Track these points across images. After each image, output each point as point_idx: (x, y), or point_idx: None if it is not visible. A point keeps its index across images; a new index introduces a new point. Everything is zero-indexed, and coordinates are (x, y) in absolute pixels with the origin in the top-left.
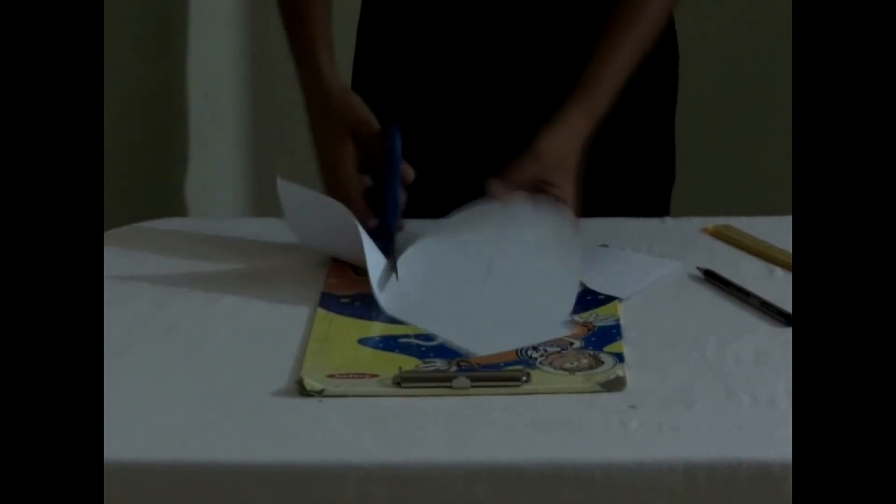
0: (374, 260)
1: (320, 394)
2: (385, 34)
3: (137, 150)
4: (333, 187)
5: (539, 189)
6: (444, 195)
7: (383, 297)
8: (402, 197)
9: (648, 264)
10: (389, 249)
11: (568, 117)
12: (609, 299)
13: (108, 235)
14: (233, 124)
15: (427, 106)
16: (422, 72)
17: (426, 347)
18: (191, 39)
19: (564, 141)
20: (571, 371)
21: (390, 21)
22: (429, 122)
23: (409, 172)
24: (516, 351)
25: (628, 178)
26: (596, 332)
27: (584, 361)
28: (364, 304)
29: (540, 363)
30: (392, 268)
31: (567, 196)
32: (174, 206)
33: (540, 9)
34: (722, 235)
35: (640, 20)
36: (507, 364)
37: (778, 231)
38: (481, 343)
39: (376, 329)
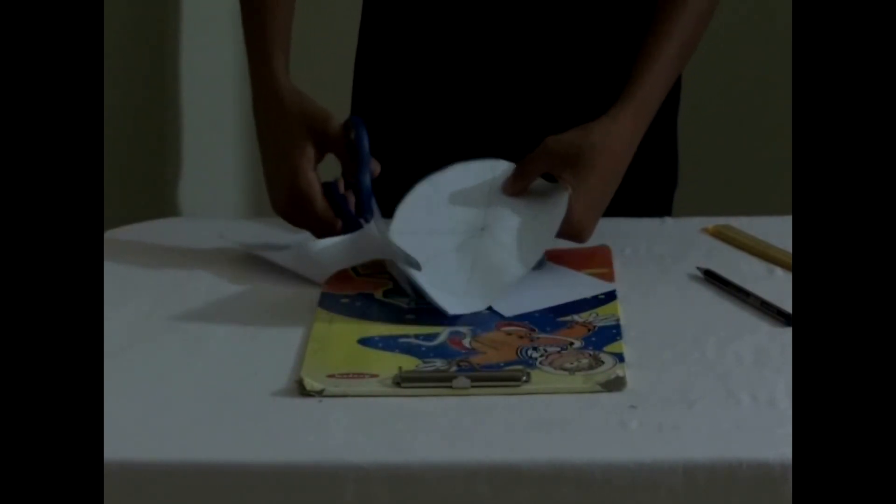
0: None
1: (320, 394)
2: (386, 37)
3: (137, 150)
4: (292, 192)
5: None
6: None
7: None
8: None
9: (576, 285)
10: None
11: (601, 119)
12: (609, 299)
13: (108, 235)
14: (232, 124)
15: (429, 108)
16: (423, 75)
17: (426, 347)
18: (190, 39)
19: (575, 136)
20: (571, 371)
21: (392, 24)
22: (430, 124)
23: (375, 166)
24: (516, 350)
25: (631, 181)
26: (596, 332)
27: (584, 361)
28: (364, 304)
29: (540, 363)
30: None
31: (577, 191)
32: (174, 206)
33: (541, 13)
34: (722, 235)
35: (685, 16)
36: (507, 364)
37: (778, 231)
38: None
39: (376, 329)
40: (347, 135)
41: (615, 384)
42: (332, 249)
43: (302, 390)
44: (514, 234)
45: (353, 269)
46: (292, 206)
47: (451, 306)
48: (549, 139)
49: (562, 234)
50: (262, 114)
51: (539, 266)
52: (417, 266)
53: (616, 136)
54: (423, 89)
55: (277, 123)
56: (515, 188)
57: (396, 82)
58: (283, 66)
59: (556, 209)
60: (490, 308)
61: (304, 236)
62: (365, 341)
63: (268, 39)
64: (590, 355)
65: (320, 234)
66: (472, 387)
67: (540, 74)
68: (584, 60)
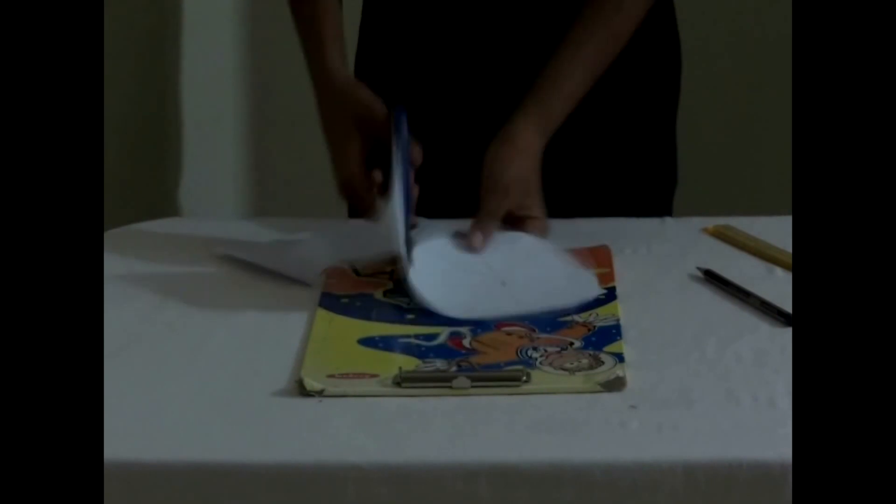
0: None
1: (320, 394)
2: (386, 31)
3: (137, 150)
4: (340, 183)
5: (515, 218)
6: (445, 188)
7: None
8: (414, 191)
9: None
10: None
11: (520, 135)
12: (609, 299)
13: (108, 235)
14: (233, 124)
15: (429, 100)
16: (423, 68)
17: (426, 347)
18: (191, 39)
19: (523, 163)
20: (571, 371)
21: (392, 18)
22: (430, 116)
23: (416, 154)
24: (516, 350)
25: (630, 182)
26: (596, 332)
27: (584, 361)
28: (364, 304)
29: (540, 363)
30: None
31: (542, 216)
32: (174, 206)
33: (539, 5)
34: (722, 235)
35: (603, 28)
36: (507, 364)
37: (778, 231)
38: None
39: (376, 329)
40: (391, 125)
41: (615, 384)
42: (319, 249)
43: (302, 390)
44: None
45: (353, 269)
46: (344, 196)
47: (445, 308)
48: (502, 180)
49: None
50: (321, 108)
51: None
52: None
53: (532, 153)
54: (423, 86)
55: (331, 116)
56: (486, 241)
57: (397, 81)
58: (337, 58)
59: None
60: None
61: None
62: (365, 341)
63: (320, 30)
64: (590, 355)
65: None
66: (472, 387)
67: (536, 69)
68: None
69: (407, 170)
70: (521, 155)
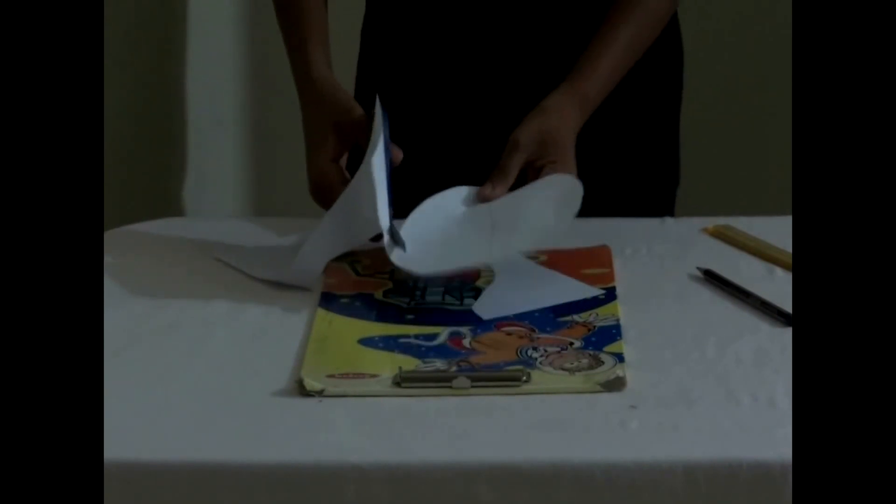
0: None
1: (320, 394)
2: (389, 31)
3: (137, 150)
4: (313, 182)
5: (537, 170)
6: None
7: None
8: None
9: (566, 289)
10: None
11: (548, 101)
12: (609, 299)
13: (108, 235)
14: (233, 124)
15: (431, 103)
16: (425, 69)
17: (426, 347)
18: (191, 39)
19: (544, 121)
20: (571, 371)
21: (394, 18)
22: (432, 119)
23: (397, 154)
24: (516, 350)
25: (633, 180)
26: (596, 332)
27: (584, 361)
28: (364, 304)
29: (540, 363)
30: (395, 241)
31: (564, 164)
32: (174, 206)
33: (542, 4)
34: (722, 235)
35: (639, 12)
36: (507, 364)
37: (778, 231)
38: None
39: (376, 329)
40: (370, 124)
41: (615, 384)
42: (313, 250)
43: (302, 390)
44: (526, 212)
45: (353, 268)
46: (316, 195)
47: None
48: (516, 135)
49: None
50: (302, 107)
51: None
52: (402, 243)
53: (569, 120)
54: (425, 87)
55: (309, 116)
56: (498, 190)
57: (399, 80)
58: (320, 59)
59: (562, 185)
60: (469, 310)
61: (286, 242)
62: (365, 341)
63: (303, 30)
64: (590, 355)
65: None
66: (472, 387)
67: (545, 69)
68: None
69: (387, 162)
70: (542, 114)
